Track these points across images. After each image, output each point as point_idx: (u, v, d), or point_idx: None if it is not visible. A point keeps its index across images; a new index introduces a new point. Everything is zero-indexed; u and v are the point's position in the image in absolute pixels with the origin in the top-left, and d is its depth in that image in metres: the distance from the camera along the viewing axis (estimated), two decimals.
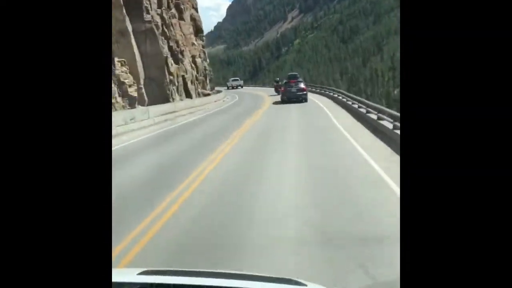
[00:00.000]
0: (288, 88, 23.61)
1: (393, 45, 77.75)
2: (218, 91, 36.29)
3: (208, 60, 37.98)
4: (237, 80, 52.42)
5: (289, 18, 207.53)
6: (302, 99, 23.10)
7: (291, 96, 23.22)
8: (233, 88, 46.11)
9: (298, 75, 26.21)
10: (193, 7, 35.46)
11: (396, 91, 50.83)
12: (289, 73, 27.66)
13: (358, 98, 19.68)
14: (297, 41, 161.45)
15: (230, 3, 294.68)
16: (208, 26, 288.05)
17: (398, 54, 61.94)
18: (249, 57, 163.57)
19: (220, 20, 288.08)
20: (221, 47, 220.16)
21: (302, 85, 23.72)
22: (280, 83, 34.52)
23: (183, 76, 27.49)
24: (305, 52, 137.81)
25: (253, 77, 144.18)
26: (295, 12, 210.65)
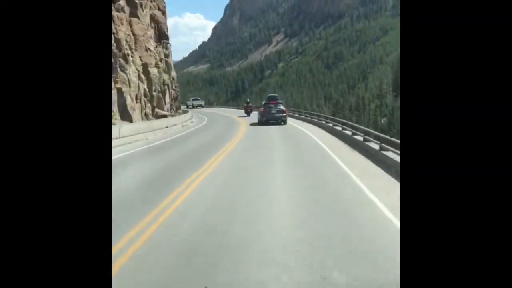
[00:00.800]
0: (268, 110, 22.51)
1: (378, 74, 76.35)
2: (185, 111, 31.80)
3: (174, 73, 31.71)
4: (197, 99, 50.33)
5: (274, 42, 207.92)
6: (281, 121, 22.15)
7: (270, 118, 22.18)
8: (193, 107, 43.72)
9: (278, 97, 25.16)
10: (158, 8, 29.28)
11: (383, 120, 48.44)
12: (269, 94, 26.77)
13: (353, 124, 16.49)
14: (281, 64, 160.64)
15: (216, 23, 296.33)
16: (193, 45, 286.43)
17: (385, 82, 61.58)
18: (232, 78, 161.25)
19: (206, 40, 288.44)
20: (204, 66, 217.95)
21: (281, 107, 22.84)
22: (250, 104, 33.60)
23: (119, 89, 19.55)
24: (289, 76, 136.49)
25: (236, 98, 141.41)
26: (280, 36, 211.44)
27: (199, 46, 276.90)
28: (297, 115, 29.10)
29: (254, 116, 28.54)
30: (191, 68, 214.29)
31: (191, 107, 42.88)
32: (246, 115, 31.26)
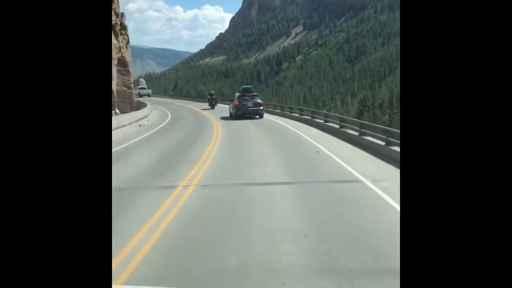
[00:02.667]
0: (244, 103, 20.75)
1: None
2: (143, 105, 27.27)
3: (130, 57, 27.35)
4: (144, 88, 50.63)
5: (293, 34, 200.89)
6: (257, 114, 20.69)
7: (246, 111, 20.55)
8: (140, 96, 42.02)
9: (253, 89, 23.71)
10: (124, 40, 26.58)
11: None
12: (244, 86, 25.18)
13: None
14: (300, 57, 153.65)
15: (233, 15, 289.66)
16: (211, 37, 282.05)
17: None
18: (248, 70, 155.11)
19: (223, 31, 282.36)
20: (220, 58, 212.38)
21: (258, 100, 21.23)
22: (214, 96, 32.01)
23: None
24: (308, 69, 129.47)
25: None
26: (299, 29, 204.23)
27: (216, 38, 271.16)
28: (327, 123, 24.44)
29: (220, 109, 27.17)
30: (207, 60, 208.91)
31: (138, 96, 39.77)
32: (210, 107, 29.21)
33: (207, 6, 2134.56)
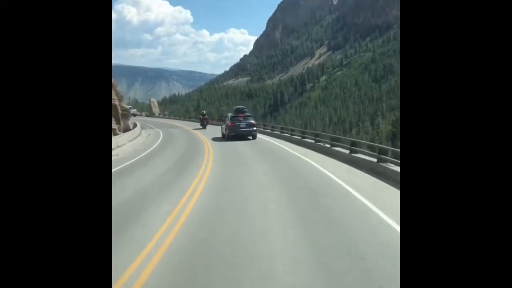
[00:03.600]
0: (237, 123, 20.00)
1: None
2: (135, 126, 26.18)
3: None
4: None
5: (317, 55, 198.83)
6: (251, 135, 19.96)
7: (239, 133, 19.80)
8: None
9: (246, 109, 22.64)
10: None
11: None
12: (236, 107, 23.72)
13: None
14: (324, 77, 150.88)
15: (257, 37, 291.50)
16: (236, 59, 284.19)
17: None
18: (271, 91, 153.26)
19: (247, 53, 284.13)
20: (244, 79, 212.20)
21: (252, 120, 20.45)
22: (206, 116, 32.13)
23: None
24: (332, 89, 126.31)
25: (273, 111, 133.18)
26: (323, 49, 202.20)
27: (240, 59, 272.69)
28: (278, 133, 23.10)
29: (211, 129, 27.05)
30: (230, 81, 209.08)
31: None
32: (201, 127, 29.86)
33: (232, 30, 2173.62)
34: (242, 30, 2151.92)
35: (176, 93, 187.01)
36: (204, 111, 35.37)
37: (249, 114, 20.83)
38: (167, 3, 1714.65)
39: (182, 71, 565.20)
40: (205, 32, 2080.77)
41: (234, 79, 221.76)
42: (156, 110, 50.13)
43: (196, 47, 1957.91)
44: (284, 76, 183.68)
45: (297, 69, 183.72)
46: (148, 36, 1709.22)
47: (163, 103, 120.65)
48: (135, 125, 26.38)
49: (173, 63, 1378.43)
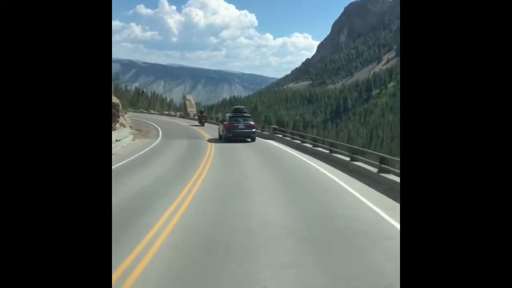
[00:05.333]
0: (235, 124, 18.85)
1: None
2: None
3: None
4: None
5: (384, 59, 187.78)
6: (249, 137, 18.90)
7: (237, 134, 18.69)
8: None
9: (245, 109, 21.24)
10: None
11: None
12: (235, 107, 22.90)
13: None
14: (392, 84, 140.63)
15: (322, 40, 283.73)
16: (298, 64, 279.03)
17: None
18: (333, 96, 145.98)
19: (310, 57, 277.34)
20: (305, 83, 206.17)
21: (251, 122, 19.28)
22: (204, 114, 33.35)
23: None
24: None
25: (335, 118, 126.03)
26: (391, 54, 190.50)
27: (302, 63, 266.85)
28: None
29: (209, 127, 27.98)
30: (291, 85, 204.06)
31: None
32: (200, 124, 31.14)
33: (296, 34, 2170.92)
34: (306, 34, 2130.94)
35: (237, 96, 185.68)
36: (202, 109, 37.17)
37: (248, 115, 19.82)
38: (233, 7, 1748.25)
39: (244, 74, 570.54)
40: (269, 36, 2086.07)
41: (294, 82, 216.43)
42: (192, 110, 41.99)
43: (259, 51, 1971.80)
44: (348, 81, 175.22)
45: (362, 74, 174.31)
46: (213, 39, 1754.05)
47: (222, 104, 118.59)
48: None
49: (236, 66, 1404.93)
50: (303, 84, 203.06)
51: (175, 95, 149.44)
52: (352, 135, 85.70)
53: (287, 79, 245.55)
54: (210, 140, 18.93)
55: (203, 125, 30.19)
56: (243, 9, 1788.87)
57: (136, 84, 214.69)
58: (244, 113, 19.88)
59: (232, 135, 18.51)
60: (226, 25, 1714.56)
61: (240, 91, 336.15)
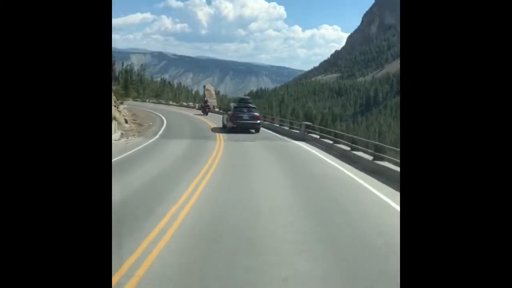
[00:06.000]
0: (239, 114, 18.32)
1: None
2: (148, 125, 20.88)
3: None
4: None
5: None
6: (254, 129, 18.48)
7: (241, 125, 18.11)
8: None
9: (250, 100, 21.32)
10: None
11: None
12: (241, 97, 22.82)
13: None
14: None
15: (352, 32, 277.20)
16: (326, 56, 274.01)
17: None
18: (363, 89, 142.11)
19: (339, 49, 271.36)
20: (333, 75, 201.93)
21: (256, 113, 18.89)
22: (208, 103, 33.17)
23: None
24: None
25: (365, 111, 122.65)
26: None
27: (331, 55, 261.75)
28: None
29: (212, 116, 28.06)
30: (319, 77, 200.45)
31: None
32: (203, 114, 30.96)
33: (325, 26, 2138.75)
34: (335, 26, 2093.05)
35: (264, 88, 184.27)
36: (206, 99, 36.03)
37: (253, 106, 19.40)
38: None
39: (272, 67, 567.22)
40: (297, 28, 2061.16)
41: (323, 75, 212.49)
42: (212, 101, 37.22)
43: (287, 43, 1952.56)
44: (379, 74, 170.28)
45: (393, 66, 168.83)
46: (241, 31, 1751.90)
47: (249, 96, 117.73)
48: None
49: (263, 58, 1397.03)
50: (331, 76, 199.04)
51: (202, 87, 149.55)
52: (383, 129, 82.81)
53: (315, 71, 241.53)
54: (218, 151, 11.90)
55: (206, 114, 30.15)
56: (272, 1, 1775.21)
57: (166, 76, 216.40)
58: (249, 104, 19.50)
59: (236, 126, 18.06)
60: (255, 17, 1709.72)
61: (267, 84, 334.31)
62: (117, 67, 53.74)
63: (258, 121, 18.77)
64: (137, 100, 45.80)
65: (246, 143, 14.20)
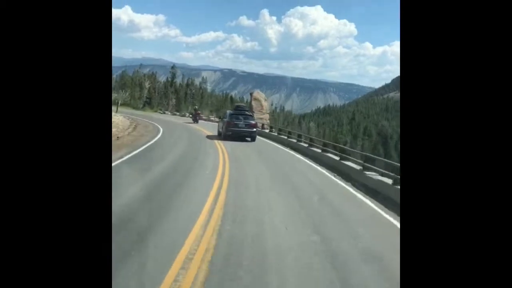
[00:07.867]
0: (235, 122, 18.18)
1: None
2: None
3: None
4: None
5: None
6: (250, 137, 18.24)
7: (237, 133, 17.94)
8: None
9: (247, 107, 21.90)
10: None
11: None
12: (237, 104, 23.46)
13: None
14: None
15: None
16: (398, 73, 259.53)
17: None
18: None
19: None
20: None
21: (252, 121, 18.67)
22: (199, 111, 34.35)
23: None
24: None
25: None
26: None
27: None
28: None
29: (202, 123, 30.14)
30: (392, 94, 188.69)
31: None
32: (193, 122, 31.50)
33: (397, 42, 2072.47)
34: None
35: (332, 104, 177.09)
36: (196, 107, 39.17)
37: (250, 114, 19.50)
38: (333, 16, 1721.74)
39: (340, 83, 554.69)
40: (368, 45, 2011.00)
41: (395, 91, 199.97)
42: (262, 117, 27.20)
43: (357, 60, 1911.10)
44: None
45: None
46: (310, 49, 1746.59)
47: (316, 113, 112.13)
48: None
49: (331, 75, 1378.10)
50: None
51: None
52: None
53: (386, 88, 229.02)
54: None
55: (197, 122, 30.82)
56: (342, 18, 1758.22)
57: (235, 92, 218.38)
58: (246, 111, 19.47)
59: (231, 133, 17.87)
60: (325, 35, 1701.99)
61: (335, 100, 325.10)
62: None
63: (255, 129, 18.61)
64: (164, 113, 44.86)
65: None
